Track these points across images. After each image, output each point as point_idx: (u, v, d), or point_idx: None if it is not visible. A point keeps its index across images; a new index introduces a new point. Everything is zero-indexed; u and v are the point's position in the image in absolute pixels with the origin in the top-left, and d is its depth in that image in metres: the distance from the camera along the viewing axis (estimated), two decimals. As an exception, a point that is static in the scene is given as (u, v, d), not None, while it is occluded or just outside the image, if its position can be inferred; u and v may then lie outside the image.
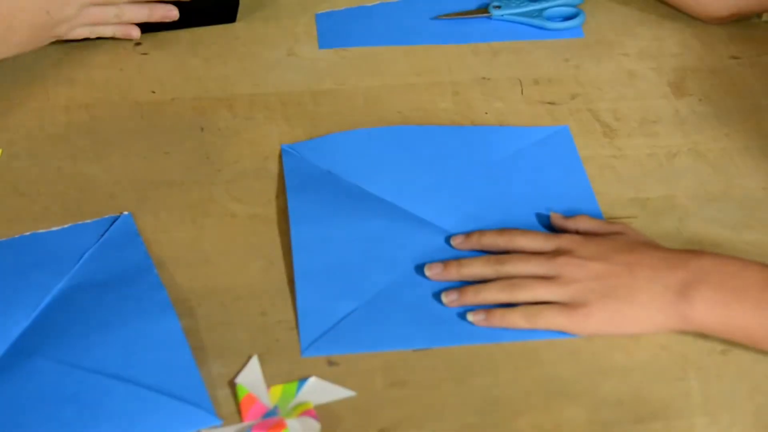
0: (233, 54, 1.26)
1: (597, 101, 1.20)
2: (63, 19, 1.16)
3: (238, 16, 1.30)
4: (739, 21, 1.31)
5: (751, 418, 0.90)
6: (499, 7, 1.31)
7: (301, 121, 1.17)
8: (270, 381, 0.92)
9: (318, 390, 0.91)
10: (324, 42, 1.28)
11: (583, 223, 1.04)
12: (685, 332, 0.95)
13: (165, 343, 0.94)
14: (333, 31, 1.30)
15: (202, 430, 0.88)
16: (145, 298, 0.97)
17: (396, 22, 1.31)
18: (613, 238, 1.01)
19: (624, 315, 0.95)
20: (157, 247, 1.03)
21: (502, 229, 1.03)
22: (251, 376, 0.92)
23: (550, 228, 1.06)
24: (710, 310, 0.93)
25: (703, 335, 0.95)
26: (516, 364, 0.94)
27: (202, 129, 1.16)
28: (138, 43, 1.25)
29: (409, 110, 1.19)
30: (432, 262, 1.01)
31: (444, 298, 0.98)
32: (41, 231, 1.04)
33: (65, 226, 1.04)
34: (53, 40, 1.19)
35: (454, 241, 1.03)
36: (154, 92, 1.20)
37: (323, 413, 0.89)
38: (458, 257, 1.01)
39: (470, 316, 0.96)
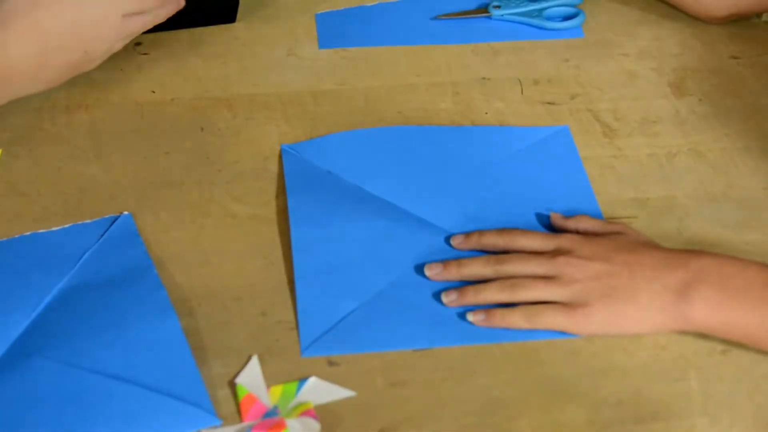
0: (233, 54, 1.26)
1: (597, 101, 1.20)
2: (99, 56, 1.13)
3: (238, 16, 1.30)
4: (739, 21, 1.31)
5: (751, 418, 0.90)
6: (498, 6, 1.31)
7: (301, 121, 1.17)
8: (270, 381, 0.92)
9: (318, 390, 0.91)
10: (324, 42, 1.28)
11: (583, 223, 1.04)
12: (685, 332, 0.95)
13: (165, 343, 0.94)
14: (333, 31, 1.30)
15: (202, 430, 0.88)
16: (145, 298, 0.98)
17: (396, 22, 1.31)
18: (613, 238, 1.01)
19: (624, 315, 0.95)
20: (157, 247, 1.03)
21: (502, 229, 1.03)
22: (251, 376, 0.92)
23: (550, 228, 1.06)
24: (710, 310, 0.93)
25: (703, 335, 0.95)
26: (516, 365, 0.94)
27: (202, 129, 1.16)
28: (138, 43, 1.25)
29: (410, 110, 1.19)
30: (432, 262, 1.01)
31: (444, 298, 0.98)
32: (41, 231, 1.04)
33: (65, 226, 1.04)
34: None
35: (454, 241, 1.03)
36: (154, 92, 1.20)
37: (323, 413, 0.89)
38: (458, 257, 1.01)
39: (470, 316, 0.96)
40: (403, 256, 1.02)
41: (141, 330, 0.95)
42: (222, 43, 1.27)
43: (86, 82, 1.20)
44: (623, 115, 1.19)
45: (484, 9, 1.32)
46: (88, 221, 1.05)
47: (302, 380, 0.92)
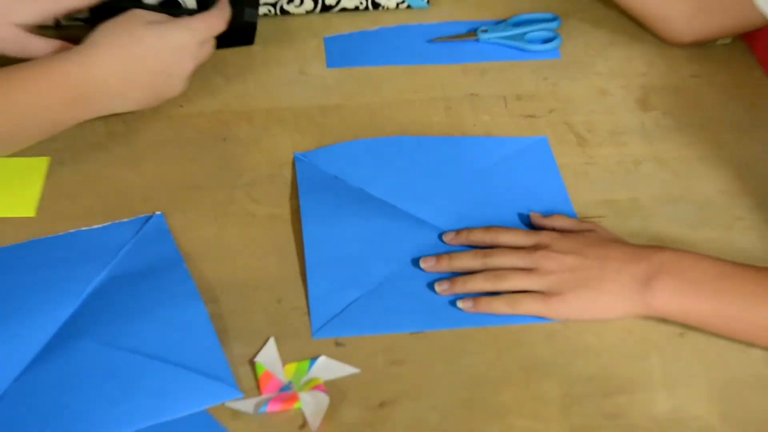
0: (251, 73, 1.26)
1: (572, 115, 1.21)
2: (180, 80, 1.13)
3: (256, 39, 1.29)
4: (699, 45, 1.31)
5: (704, 392, 0.91)
6: (486, 31, 1.31)
7: (312, 132, 1.17)
8: (285, 359, 0.93)
9: (327, 367, 0.92)
10: (331, 62, 1.28)
11: (559, 222, 1.05)
12: (647, 317, 0.96)
13: (193, 326, 0.95)
14: (339, 52, 1.30)
15: (226, 402, 0.89)
16: (176, 287, 0.98)
17: (395, 45, 1.31)
18: (585, 235, 1.02)
19: (594, 302, 0.96)
20: (185, 242, 1.04)
21: (488, 227, 1.03)
22: (268, 356, 0.93)
23: (530, 226, 1.06)
24: (670, 298, 0.94)
25: (663, 320, 0.96)
26: (499, 346, 0.95)
27: (224, 139, 1.16)
28: (168, 63, 1.26)
29: (407, 123, 1.19)
30: (426, 255, 1.02)
31: (437, 287, 0.99)
32: (84, 228, 1.04)
33: (105, 224, 1.05)
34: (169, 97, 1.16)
35: (446, 238, 1.04)
36: (182, 106, 1.20)
37: (331, 388, 0.90)
38: (449, 252, 1.02)
39: (460, 303, 0.97)
40: (402, 250, 1.03)
41: (172, 315, 0.95)
42: (242, 64, 1.27)
43: (122, 98, 1.21)
44: (595, 127, 1.19)
45: (473, 33, 1.32)
46: (124, 220, 1.05)
47: (313, 359, 0.93)
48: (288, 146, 1.15)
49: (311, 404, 0.88)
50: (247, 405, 0.89)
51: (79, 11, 1.19)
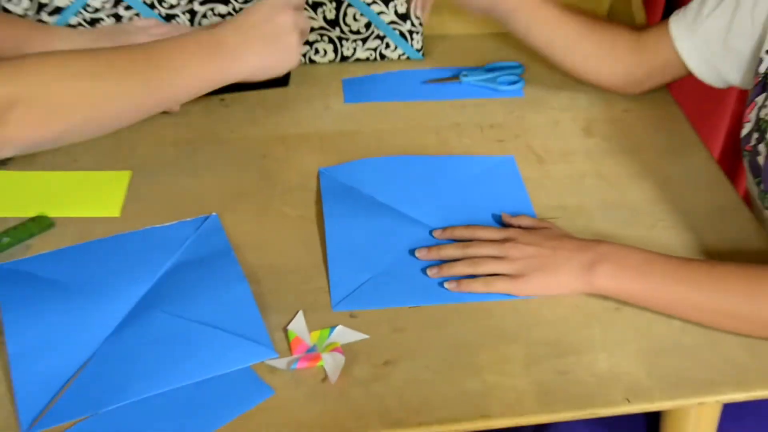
0: (286, 107, 1.25)
1: (533, 139, 1.20)
2: (288, 57, 1.03)
3: (290, 81, 1.29)
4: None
5: (634, 353, 0.90)
6: (466, 75, 1.31)
7: (332, 152, 1.17)
8: (311, 327, 0.92)
9: (343, 334, 0.92)
10: (348, 98, 1.28)
11: (523, 221, 1.04)
12: (591, 295, 0.96)
13: (240, 301, 0.94)
14: (354, 91, 1.29)
15: (265, 360, 0.88)
16: (226, 271, 0.98)
17: (398, 85, 1.31)
18: (543, 231, 1.01)
19: (550, 282, 0.95)
20: (234, 236, 1.03)
21: (468, 225, 1.03)
22: (298, 325, 0.92)
23: (501, 224, 1.05)
24: (608, 280, 0.93)
25: (603, 297, 0.95)
26: (476, 317, 0.94)
27: (264, 157, 1.16)
28: (222, 99, 1.25)
29: (407, 145, 1.18)
30: (420, 247, 1.01)
31: (428, 272, 0.98)
32: (157, 226, 1.04)
33: (172, 222, 1.04)
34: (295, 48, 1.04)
35: (435, 234, 1.03)
36: (232, 132, 1.20)
37: (347, 349, 0.90)
38: (438, 244, 1.01)
39: (446, 285, 0.96)
40: (401, 243, 1.02)
41: (223, 293, 0.95)
42: (278, 100, 1.26)
43: (188, 126, 1.20)
44: (550, 149, 1.18)
45: (456, 77, 1.31)
46: (187, 219, 1.05)
47: (332, 327, 0.92)
48: (314, 163, 1.15)
49: (331, 362, 0.88)
50: (281, 363, 0.88)
51: None
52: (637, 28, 1.21)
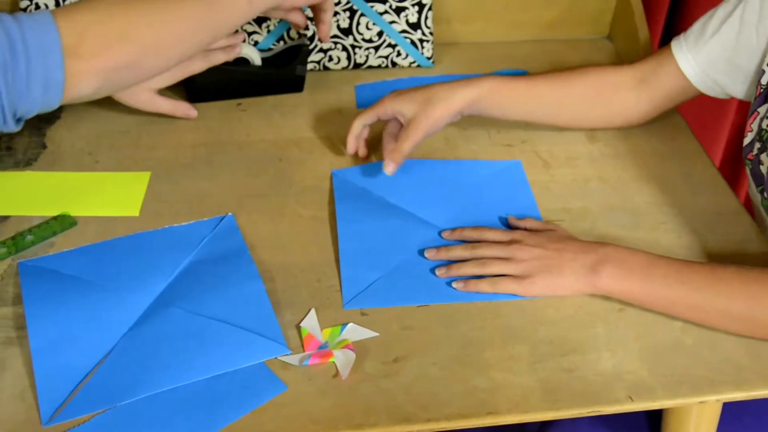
0: (301, 111, 1.24)
1: (539, 145, 1.19)
2: None
3: (305, 87, 1.28)
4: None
5: (637, 353, 0.90)
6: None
7: (345, 155, 1.15)
8: (323, 325, 0.91)
9: (354, 331, 0.91)
10: (360, 104, 1.27)
11: (529, 223, 1.03)
12: (594, 295, 0.95)
13: (254, 299, 0.93)
14: (366, 96, 1.28)
15: (278, 356, 0.88)
16: (242, 269, 0.97)
17: (407, 91, 1.30)
18: (549, 233, 1.00)
19: (555, 283, 0.94)
20: (250, 236, 1.02)
21: (476, 227, 1.02)
22: (311, 322, 0.92)
23: (507, 226, 1.05)
24: (611, 281, 0.92)
25: (607, 298, 0.94)
26: (484, 316, 0.93)
27: (280, 159, 1.15)
28: (239, 104, 1.25)
29: (417, 149, 1.15)
30: (430, 247, 1.00)
31: (437, 271, 0.97)
32: (175, 225, 1.03)
33: (190, 222, 1.04)
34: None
35: (444, 234, 1.02)
36: (248, 135, 1.19)
37: (357, 347, 0.89)
38: (447, 245, 1.00)
39: (454, 284, 0.96)
40: (411, 243, 1.01)
41: (238, 290, 0.94)
42: (293, 105, 1.25)
43: (206, 129, 1.19)
44: (555, 154, 1.17)
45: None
46: (204, 219, 1.04)
47: (344, 325, 0.91)
48: (327, 165, 1.14)
49: (342, 359, 0.87)
50: (294, 359, 0.88)
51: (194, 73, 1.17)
52: (627, 63, 1.15)
